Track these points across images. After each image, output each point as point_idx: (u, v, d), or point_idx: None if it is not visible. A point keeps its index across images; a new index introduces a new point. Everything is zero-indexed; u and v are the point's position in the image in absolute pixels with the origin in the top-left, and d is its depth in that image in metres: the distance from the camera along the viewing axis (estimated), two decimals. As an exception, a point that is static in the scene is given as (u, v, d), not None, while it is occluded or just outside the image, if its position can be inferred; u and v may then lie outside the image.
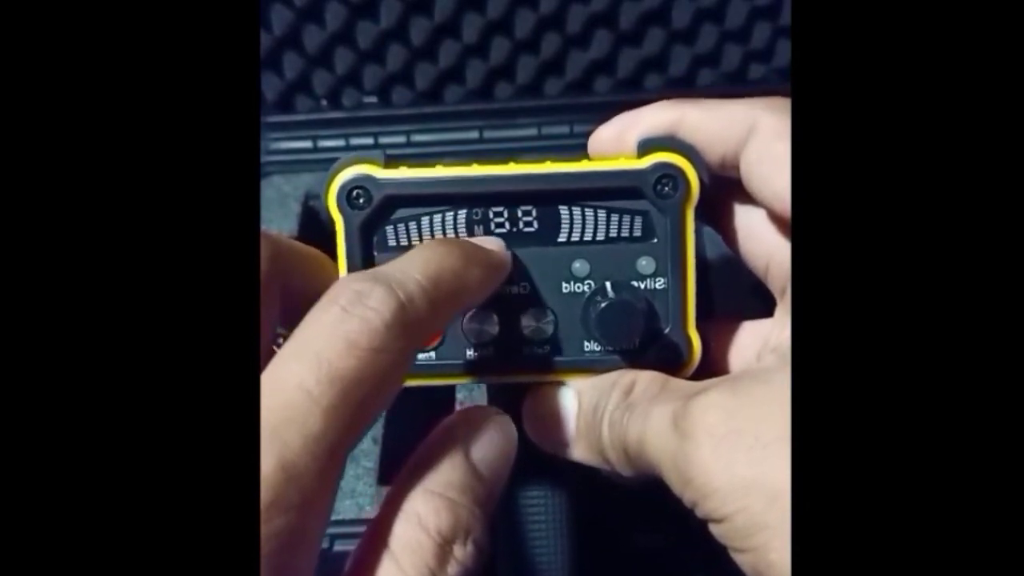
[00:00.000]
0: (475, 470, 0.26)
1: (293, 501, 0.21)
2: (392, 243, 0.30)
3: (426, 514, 0.24)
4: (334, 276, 0.29)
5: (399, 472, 0.26)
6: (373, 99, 0.62)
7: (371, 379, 0.22)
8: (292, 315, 0.25)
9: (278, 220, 0.59)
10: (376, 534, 0.24)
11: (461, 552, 0.24)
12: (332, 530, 0.45)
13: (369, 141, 0.61)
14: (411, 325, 0.23)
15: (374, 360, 0.22)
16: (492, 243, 0.29)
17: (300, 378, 0.22)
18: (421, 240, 0.30)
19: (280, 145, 0.61)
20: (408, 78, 0.62)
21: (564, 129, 0.60)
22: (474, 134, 0.61)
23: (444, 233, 0.30)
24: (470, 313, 0.30)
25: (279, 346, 0.23)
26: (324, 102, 0.63)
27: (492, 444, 0.27)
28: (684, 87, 0.62)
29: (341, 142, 0.61)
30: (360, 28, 0.60)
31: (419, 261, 0.25)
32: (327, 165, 0.30)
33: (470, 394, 0.43)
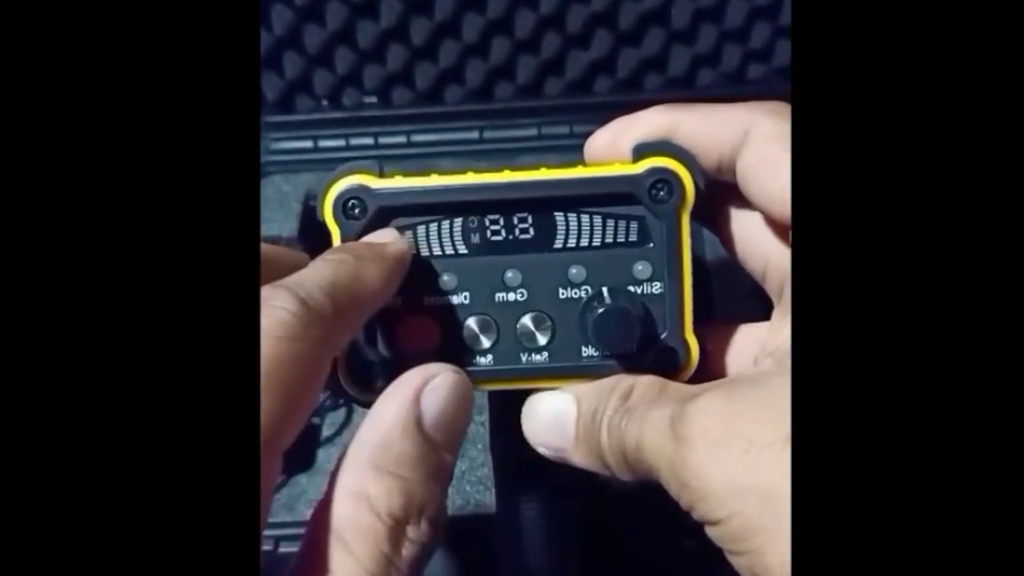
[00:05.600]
0: (428, 439, 0.25)
1: None
2: None
3: (377, 495, 0.23)
4: None
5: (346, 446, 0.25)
6: (373, 99, 0.62)
7: (288, 364, 0.22)
8: None
9: (278, 220, 0.59)
10: (325, 517, 0.23)
11: (415, 532, 0.24)
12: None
13: (369, 141, 0.61)
14: (317, 319, 0.23)
15: (289, 348, 0.22)
16: (387, 235, 0.29)
17: None
18: (418, 249, 0.30)
19: (280, 145, 0.61)
20: (408, 78, 0.63)
21: (564, 129, 0.61)
22: (474, 134, 0.61)
23: (440, 241, 0.30)
24: (468, 320, 0.30)
25: None
26: (324, 102, 0.63)
27: (446, 407, 0.26)
28: (684, 87, 0.63)
29: (341, 142, 0.61)
30: (360, 28, 0.60)
31: (313, 269, 0.26)
32: (327, 165, 0.30)
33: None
